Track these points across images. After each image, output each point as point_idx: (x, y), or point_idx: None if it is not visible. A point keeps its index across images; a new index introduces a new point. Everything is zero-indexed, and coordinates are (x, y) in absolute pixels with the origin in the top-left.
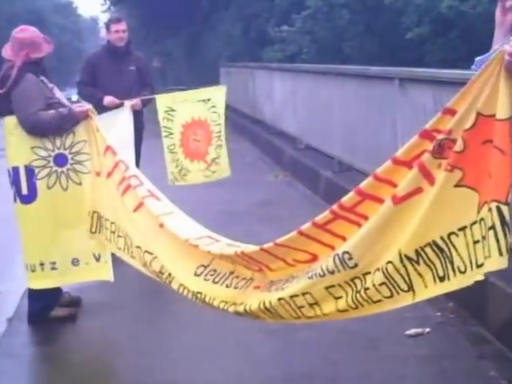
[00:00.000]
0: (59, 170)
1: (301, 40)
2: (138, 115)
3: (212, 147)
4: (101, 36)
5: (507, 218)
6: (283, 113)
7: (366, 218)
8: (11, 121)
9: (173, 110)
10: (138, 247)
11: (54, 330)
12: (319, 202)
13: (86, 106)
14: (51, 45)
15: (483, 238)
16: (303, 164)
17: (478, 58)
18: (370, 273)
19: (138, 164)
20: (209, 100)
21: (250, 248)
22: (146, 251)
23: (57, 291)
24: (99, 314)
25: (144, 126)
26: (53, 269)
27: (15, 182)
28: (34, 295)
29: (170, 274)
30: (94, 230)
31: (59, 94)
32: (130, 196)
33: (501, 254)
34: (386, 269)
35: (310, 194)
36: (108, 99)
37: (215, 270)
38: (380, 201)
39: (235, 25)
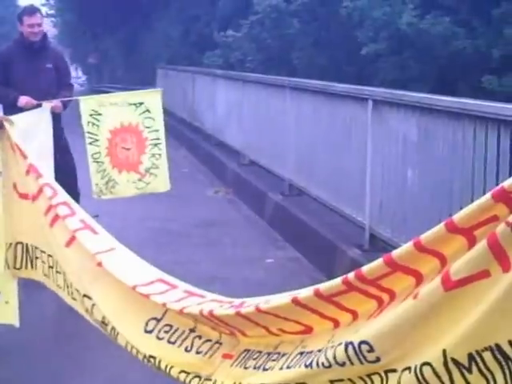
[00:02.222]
0: None
1: (246, 47)
2: (56, 118)
3: (145, 156)
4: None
5: None
6: (226, 123)
7: (391, 293)
8: None
9: (99, 114)
10: (77, 290)
11: None
12: (265, 228)
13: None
14: None
15: None
16: (248, 182)
17: None
18: (395, 371)
19: (72, 175)
20: (141, 104)
21: (222, 310)
22: (84, 295)
23: None
24: (15, 357)
25: (63, 131)
26: None
27: None
28: None
29: (113, 328)
30: (18, 266)
31: None
32: (60, 228)
33: None
34: (421, 371)
35: (254, 217)
36: (24, 100)
37: (171, 326)
38: (417, 275)
39: (175, 26)
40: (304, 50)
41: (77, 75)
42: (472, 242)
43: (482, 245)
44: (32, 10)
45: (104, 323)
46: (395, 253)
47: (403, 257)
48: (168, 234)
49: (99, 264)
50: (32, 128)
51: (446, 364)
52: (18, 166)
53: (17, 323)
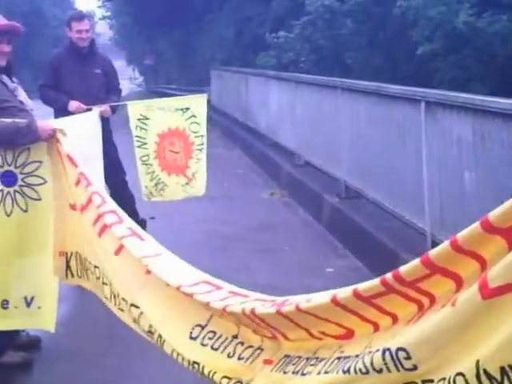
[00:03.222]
0: (5, 190)
1: (299, 48)
2: (105, 122)
3: (193, 160)
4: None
5: None
6: (280, 124)
7: (431, 297)
8: None
9: (147, 119)
10: (124, 299)
11: (4, 378)
12: (322, 233)
13: (55, 125)
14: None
15: None
16: (303, 183)
17: None
18: (432, 381)
19: (120, 178)
20: (187, 109)
21: (263, 308)
22: (132, 305)
23: (10, 332)
24: (60, 363)
25: (112, 134)
26: None
27: None
28: None
29: (160, 336)
30: (80, 275)
31: (23, 96)
32: (108, 237)
33: None
34: (454, 381)
35: (311, 221)
36: (74, 104)
37: (214, 333)
38: (456, 278)
39: (228, 27)
40: (358, 50)
41: (134, 76)
42: None
43: None
44: (80, 16)
45: (151, 332)
46: (432, 253)
47: (441, 258)
48: (222, 237)
49: (147, 272)
50: (82, 132)
51: (478, 376)
52: (68, 177)
53: (52, 329)
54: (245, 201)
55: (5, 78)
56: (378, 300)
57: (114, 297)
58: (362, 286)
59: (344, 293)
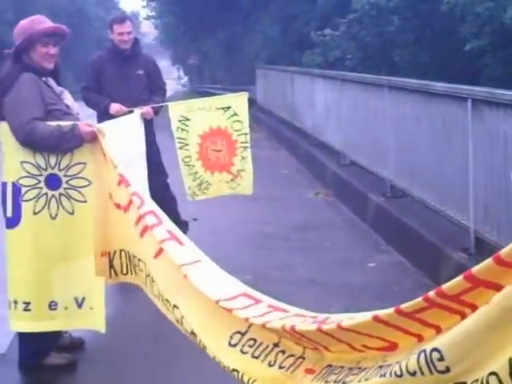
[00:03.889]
0: (50, 193)
1: (345, 45)
2: (148, 124)
3: (237, 158)
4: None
5: None
6: (326, 123)
7: (474, 307)
8: (5, 128)
9: (187, 120)
10: (167, 301)
11: (48, 379)
12: (367, 232)
13: (94, 125)
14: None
15: None
16: (348, 183)
17: None
18: (465, 383)
19: (162, 180)
20: (228, 108)
21: (304, 325)
22: (174, 306)
23: (54, 332)
24: (103, 365)
25: (155, 136)
26: (25, 310)
27: (2, 200)
28: (24, 337)
29: (200, 341)
30: (125, 272)
31: (69, 100)
32: (149, 239)
33: None
34: (488, 382)
35: (356, 220)
36: (115, 107)
37: (255, 340)
38: (498, 288)
39: (274, 26)
40: (405, 47)
41: (179, 76)
42: None
43: None
44: (122, 19)
45: (193, 334)
46: (475, 269)
47: (483, 272)
48: (265, 237)
49: (185, 276)
50: (124, 134)
51: (511, 374)
52: (111, 177)
53: (102, 329)
54: (289, 201)
55: (51, 81)
56: (420, 315)
57: (161, 296)
58: (404, 305)
59: (386, 311)
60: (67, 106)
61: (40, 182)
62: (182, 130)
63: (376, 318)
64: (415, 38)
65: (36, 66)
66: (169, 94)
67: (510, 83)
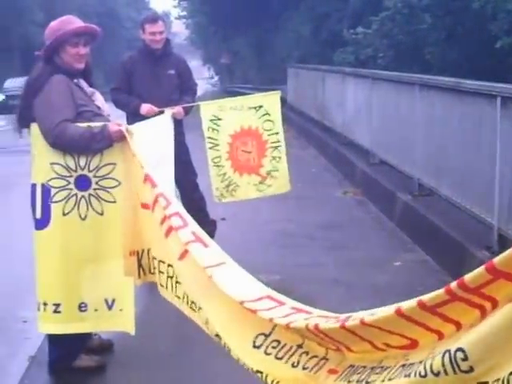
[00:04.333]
0: (79, 194)
1: (377, 43)
2: (177, 123)
3: (266, 159)
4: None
5: None
6: (356, 122)
7: (494, 301)
8: (35, 129)
9: (219, 119)
10: (193, 302)
11: (77, 382)
12: (393, 229)
13: (122, 125)
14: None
15: None
16: (377, 182)
17: None
18: (487, 383)
19: (191, 180)
20: (260, 107)
21: (327, 323)
22: (200, 308)
23: (83, 334)
24: (133, 366)
25: (185, 136)
26: (55, 312)
27: (31, 202)
28: (54, 339)
29: (225, 344)
30: (152, 271)
31: (100, 101)
32: (173, 240)
33: None
34: (508, 381)
35: (383, 219)
36: (146, 107)
37: (278, 342)
38: None
39: (305, 25)
40: (436, 45)
41: (209, 75)
42: None
43: None
44: (154, 18)
45: (218, 337)
46: (496, 260)
47: (504, 263)
48: (292, 236)
49: (210, 278)
50: (154, 135)
51: None
52: (138, 176)
53: (132, 331)
54: (317, 200)
55: (82, 83)
56: (441, 309)
57: (186, 297)
58: (427, 297)
59: (409, 304)
60: (98, 107)
61: (70, 183)
62: (213, 129)
63: (399, 312)
64: (446, 36)
65: (67, 67)
66: (199, 93)
67: None
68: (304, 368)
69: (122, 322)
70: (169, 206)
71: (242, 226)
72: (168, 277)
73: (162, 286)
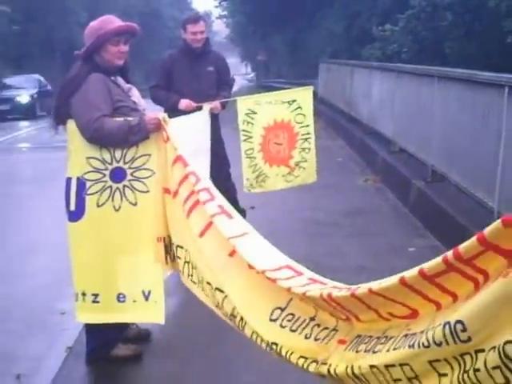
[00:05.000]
0: (114, 186)
1: (403, 39)
2: (214, 117)
3: (296, 150)
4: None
5: None
6: (380, 113)
7: (485, 274)
8: (72, 125)
9: (254, 113)
10: (209, 283)
11: (114, 371)
12: (407, 215)
13: (159, 113)
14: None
15: None
16: (395, 169)
17: None
18: (483, 351)
19: (224, 170)
20: (294, 101)
21: (339, 292)
22: (216, 288)
23: (121, 324)
24: (169, 356)
25: (220, 129)
26: (94, 302)
27: (66, 195)
28: (91, 329)
29: (242, 318)
30: (174, 258)
31: (137, 97)
32: (198, 215)
33: None
34: (504, 349)
35: (398, 205)
36: (184, 103)
37: (293, 315)
38: (507, 254)
39: (338, 22)
40: (456, 40)
41: (246, 71)
42: None
43: None
44: (196, 19)
45: (233, 315)
46: (486, 231)
47: (494, 235)
48: (316, 224)
49: (231, 254)
50: (191, 129)
51: None
52: (169, 158)
53: (163, 321)
54: (340, 188)
55: (119, 80)
56: (440, 279)
57: (200, 282)
58: (427, 265)
59: (411, 273)
60: (134, 103)
61: (105, 175)
62: (248, 122)
63: (402, 281)
64: (465, 32)
65: (107, 65)
66: (235, 88)
67: None
68: (316, 339)
69: (154, 313)
70: (198, 182)
71: (270, 214)
72: (185, 262)
73: (180, 271)
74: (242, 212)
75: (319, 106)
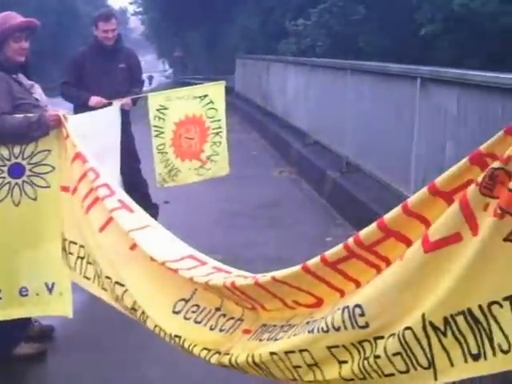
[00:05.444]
0: (13, 181)
1: (316, 34)
2: (124, 114)
3: (207, 144)
4: (128, 27)
5: None
6: (294, 107)
7: (387, 261)
8: None
9: (165, 109)
10: (108, 277)
11: (17, 370)
12: (324, 206)
13: (60, 110)
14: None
15: None
16: (310, 161)
17: None
18: (382, 337)
19: (134, 167)
20: (205, 96)
21: (243, 280)
22: (116, 282)
23: (22, 322)
24: (73, 351)
25: (131, 125)
26: None
27: None
28: None
29: (143, 312)
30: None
31: (39, 94)
32: (97, 211)
33: None
34: (403, 336)
35: (314, 195)
36: (95, 99)
37: (198, 306)
38: (407, 241)
39: (252, 18)
40: (369, 34)
41: (163, 68)
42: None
43: (454, 206)
44: (107, 16)
45: (134, 309)
46: (386, 217)
47: (394, 221)
48: (232, 215)
49: (132, 247)
50: (100, 125)
51: (424, 328)
52: (67, 155)
53: (70, 314)
54: (255, 180)
55: (21, 77)
56: (342, 265)
57: (98, 277)
58: (329, 252)
59: (313, 260)
60: (36, 99)
61: (3, 171)
62: (160, 118)
63: (305, 267)
64: (378, 25)
65: (7, 62)
66: (154, 85)
67: (458, 64)
68: (221, 330)
69: (61, 306)
70: (97, 178)
71: (185, 207)
72: (78, 257)
73: (70, 267)
74: (155, 206)
75: (235, 100)
